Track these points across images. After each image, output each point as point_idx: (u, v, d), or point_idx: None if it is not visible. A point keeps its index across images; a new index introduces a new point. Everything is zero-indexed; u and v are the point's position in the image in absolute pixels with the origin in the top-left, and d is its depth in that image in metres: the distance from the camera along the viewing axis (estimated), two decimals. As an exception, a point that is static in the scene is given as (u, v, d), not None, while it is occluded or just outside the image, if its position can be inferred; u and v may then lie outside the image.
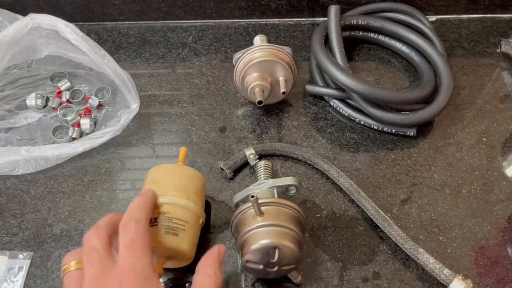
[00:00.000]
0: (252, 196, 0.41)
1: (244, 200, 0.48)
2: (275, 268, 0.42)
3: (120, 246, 0.36)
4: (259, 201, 0.42)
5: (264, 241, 0.41)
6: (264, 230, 0.41)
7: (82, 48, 0.53)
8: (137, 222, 0.38)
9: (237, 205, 0.49)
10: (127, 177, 0.55)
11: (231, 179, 0.54)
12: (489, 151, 0.56)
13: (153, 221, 0.42)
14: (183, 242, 0.43)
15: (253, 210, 0.42)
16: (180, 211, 0.44)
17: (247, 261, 0.42)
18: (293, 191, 0.48)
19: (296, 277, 0.45)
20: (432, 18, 0.70)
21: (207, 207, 0.51)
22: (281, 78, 0.55)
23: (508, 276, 0.47)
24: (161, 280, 0.47)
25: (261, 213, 0.42)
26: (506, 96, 0.61)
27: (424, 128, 0.58)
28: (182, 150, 0.50)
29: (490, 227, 0.50)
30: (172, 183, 0.45)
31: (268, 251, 0.41)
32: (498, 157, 0.56)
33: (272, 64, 0.55)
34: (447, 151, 0.56)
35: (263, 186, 0.47)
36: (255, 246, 0.41)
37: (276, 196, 0.47)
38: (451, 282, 0.44)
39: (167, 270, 0.47)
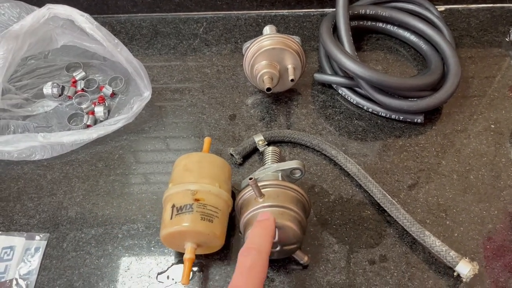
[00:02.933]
0: (251, 178, 0.42)
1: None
2: (278, 248, 0.43)
3: (236, 271, 0.36)
4: (260, 183, 0.43)
5: None
6: (264, 211, 0.42)
7: (96, 37, 0.54)
8: (259, 252, 0.37)
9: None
10: (139, 163, 0.56)
11: (240, 164, 0.55)
12: (497, 138, 0.56)
13: (189, 208, 0.44)
14: (217, 228, 0.44)
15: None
16: (213, 198, 0.45)
17: None
18: (297, 174, 0.48)
19: (302, 258, 0.46)
20: (441, 7, 0.70)
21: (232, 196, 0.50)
22: (289, 66, 0.56)
23: (514, 259, 0.47)
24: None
25: (261, 195, 0.43)
26: (515, 84, 0.62)
27: (432, 115, 0.58)
28: (207, 140, 0.52)
29: (497, 212, 0.50)
30: (205, 171, 0.47)
31: None
32: (506, 143, 0.56)
33: (281, 52, 0.55)
34: (455, 138, 0.57)
35: (268, 170, 0.48)
36: None
37: (280, 179, 0.47)
38: (457, 264, 0.44)
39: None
